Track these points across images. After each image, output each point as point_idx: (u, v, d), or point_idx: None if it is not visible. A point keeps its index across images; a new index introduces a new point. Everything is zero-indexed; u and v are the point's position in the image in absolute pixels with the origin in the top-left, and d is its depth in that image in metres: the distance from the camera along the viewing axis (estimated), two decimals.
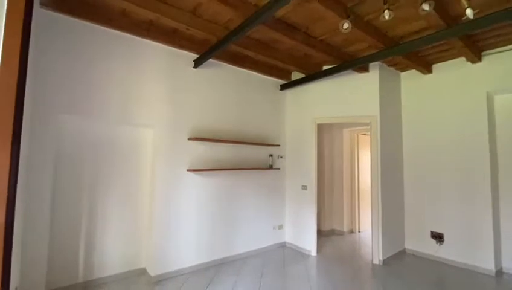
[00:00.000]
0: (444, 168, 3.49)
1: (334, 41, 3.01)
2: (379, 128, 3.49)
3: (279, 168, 4.00)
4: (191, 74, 3.22)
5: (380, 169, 3.48)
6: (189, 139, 3.13)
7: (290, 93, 4.22)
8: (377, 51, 2.90)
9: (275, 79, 4.09)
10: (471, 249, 3.20)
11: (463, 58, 3.29)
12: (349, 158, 5.01)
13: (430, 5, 1.64)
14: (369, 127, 3.65)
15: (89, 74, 2.54)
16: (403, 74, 3.93)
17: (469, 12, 1.61)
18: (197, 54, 3.18)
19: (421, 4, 1.63)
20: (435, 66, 3.62)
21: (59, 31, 2.39)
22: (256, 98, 3.88)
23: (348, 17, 1.84)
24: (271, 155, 3.93)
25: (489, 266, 3.05)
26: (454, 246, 3.36)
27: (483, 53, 3.18)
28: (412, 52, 3.10)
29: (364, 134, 5.07)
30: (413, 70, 3.74)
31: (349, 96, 3.66)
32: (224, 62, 3.44)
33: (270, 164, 3.89)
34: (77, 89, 2.47)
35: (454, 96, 3.44)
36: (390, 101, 3.76)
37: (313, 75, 3.65)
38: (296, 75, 4.12)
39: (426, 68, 3.53)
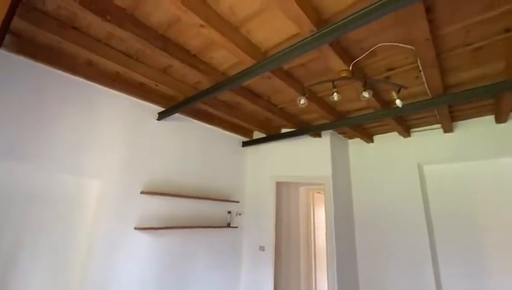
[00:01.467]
0: (390, 232, 3.74)
1: (292, 110, 3.36)
2: (332, 189, 3.72)
3: (237, 227, 3.86)
4: (153, 125, 3.19)
5: (334, 231, 3.59)
6: (142, 192, 2.92)
7: (251, 150, 4.38)
8: (328, 121, 3.30)
9: (237, 136, 4.26)
10: None
11: (394, 133, 3.90)
12: (305, 216, 5.11)
13: (369, 93, 1.99)
14: (323, 187, 3.88)
15: (34, 116, 2.33)
16: (350, 141, 4.43)
17: (398, 102, 2.00)
18: (163, 107, 3.22)
19: (361, 92, 1.98)
20: (376, 137, 4.19)
21: (5, 68, 2.24)
22: (218, 152, 3.93)
23: (304, 94, 2.11)
24: (229, 212, 3.82)
25: None
26: None
27: (411, 130, 3.82)
28: (356, 125, 3.59)
29: (319, 192, 5.32)
30: (359, 139, 4.25)
31: (305, 158, 3.94)
32: (189, 116, 3.52)
33: (228, 221, 3.75)
34: (12, 130, 2.23)
35: (392, 164, 3.93)
36: (341, 164, 4.12)
37: (273, 136, 3.91)
38: (257, 134, 4.35)
39: (369, 138, 4.06)
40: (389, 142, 4.03)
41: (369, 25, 1.79)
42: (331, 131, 3.96)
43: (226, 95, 3.03)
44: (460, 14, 1.66)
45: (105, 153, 2.74)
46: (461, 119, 3.40)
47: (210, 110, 3.39)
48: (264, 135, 4.15)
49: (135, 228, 2.80)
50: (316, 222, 5.16)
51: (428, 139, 3.67)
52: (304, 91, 2.12)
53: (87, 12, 1.74)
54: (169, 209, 3.16)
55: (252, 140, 4.24)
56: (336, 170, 3.89)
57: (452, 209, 3.44)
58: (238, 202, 3.96)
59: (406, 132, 3.65)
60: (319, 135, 3.95)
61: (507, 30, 1.81)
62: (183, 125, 3.51)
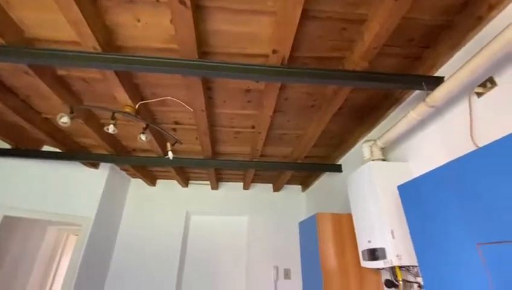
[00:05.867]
0: (142, 279, 3.56)
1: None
2: (89, 233, 3.13)
3: None
4: None
5: (75, 282, 2.90)
6: None
7: None
8: (107, 153, 2.92)
9: None
10: None
11: (175, 181, 4.13)
12: (45, 265, 3.83)
13: (146, 137, 1.97)
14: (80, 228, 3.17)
15: None
16: (133, 180, 4.15)
17: (170, 154, 2.13)
18: None
19: (139, 134, 1.92)
20: (159, 181, 4.22)
21: None
22: None
23: (71, 112, 1.73)
24: None
25: None
26: None
27: (190, 181, 4.24)
28: (140, 165, 3.46)
29: (77, 235, 4.30)
30: (141, 180, 4.09)
31: (66, 190, 3.14)
32: None
33: None
34: None
35: (167, 210, 4.00)
36: (113, 203, 3.66)
37: (25, 151, 2.86)
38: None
39: (151, 181, 4.02)
40: (169, 189, 4.17)
41: (165, 77, 1.89)
42: (111, 165, 3.53)
43: None
44: (227, 105, 2.17)
45: None
46: (225, 181, 4.25)
47: None
48: (8, 146, 2.91)
49: None
50: (62, 271, 3.98)
51: (199, 193, 4.20)
52: (72, 109, 1.73)
53: None
54: None
55: None
56: (102, 210, 3.37)
57: (202, 254, 3.91)
58: None
59: (184, 182, 3.99)
60: (95, 166, 3.37)
61: (253, 127, 2.57)
62: None
